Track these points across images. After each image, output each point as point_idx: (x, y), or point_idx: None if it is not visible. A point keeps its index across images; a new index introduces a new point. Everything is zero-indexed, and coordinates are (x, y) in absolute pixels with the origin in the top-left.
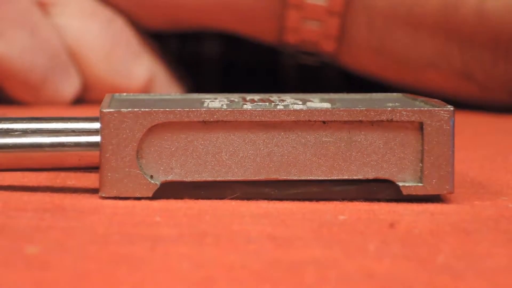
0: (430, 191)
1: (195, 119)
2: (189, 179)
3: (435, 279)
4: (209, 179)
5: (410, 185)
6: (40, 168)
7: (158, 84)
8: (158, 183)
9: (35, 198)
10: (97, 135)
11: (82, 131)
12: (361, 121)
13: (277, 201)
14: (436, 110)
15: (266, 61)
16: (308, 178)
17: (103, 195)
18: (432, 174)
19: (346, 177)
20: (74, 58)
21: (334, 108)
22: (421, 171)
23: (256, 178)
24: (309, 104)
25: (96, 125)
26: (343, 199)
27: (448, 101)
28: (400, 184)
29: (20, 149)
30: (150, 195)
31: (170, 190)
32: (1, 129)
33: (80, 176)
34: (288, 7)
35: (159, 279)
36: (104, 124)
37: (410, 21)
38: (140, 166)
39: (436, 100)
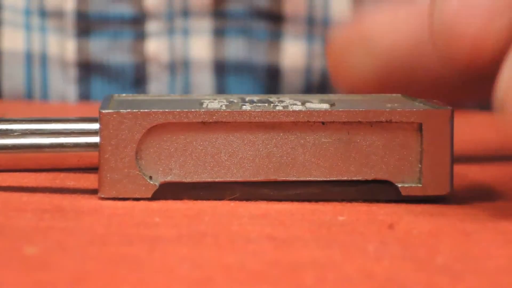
0: (429, 192)
1: (194, 120)
2: (188, 180)
3: (434, 280)
4: (208, 180)
5: (409, 186)
6: (39, 169)
7: None
8: (157, 184)
9: (34, 198)
10: (97, 135)
11: (81, 132)
12: (360, 122)
13: (276, 202)
14: (435, 110)
15: None
16: (307, 179)
17: (102, 196)
18: (431, 175)
19: (345, 178)
20: None
21: (333, 110)
22: (420, 172)
23: (255, 179)
24: (308, 105)
25: (96, 126)
26: (342, 200)
27: (447, 102)
28: (399, 185)
29: (19, 149)
30: (149, 195)
31: (169, 191)
32: (1, 130)
33: (79, 177)
34: None
35: (158, 279)
36: (103, 125)
37: None
38: (139, 167)
39: (435, 100)
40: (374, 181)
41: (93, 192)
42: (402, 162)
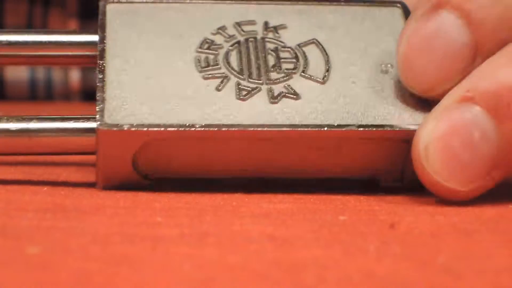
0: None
1: (190, 137)
2: (184, 176)
3: (435, 280)
4: (206, 177)
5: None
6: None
7: None
8: (152, 179)
9: (36, 198)
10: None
11: (79, 130)
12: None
13: (278, 202)
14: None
15: None
16: (299, 177)
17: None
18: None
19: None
20: None
21: (324, 130)
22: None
23: (251, 175)
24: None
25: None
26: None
27: None
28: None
29: (19, 133)
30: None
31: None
32: None
33: (81, 177)
34: None
35: (160, 279)
36: (99, 139)
37: None
38: (136, 170)
39: None
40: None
41: (95, 191)
42: (388, 163)
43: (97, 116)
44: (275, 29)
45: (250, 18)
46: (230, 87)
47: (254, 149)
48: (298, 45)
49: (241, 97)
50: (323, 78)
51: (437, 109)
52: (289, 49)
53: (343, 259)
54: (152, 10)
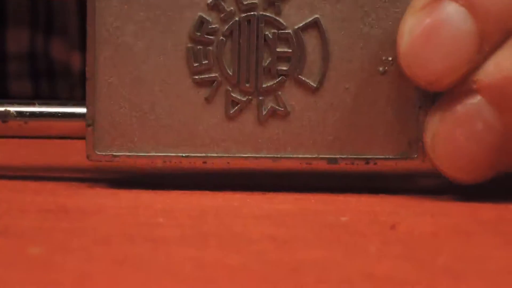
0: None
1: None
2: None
3: (435, 281)
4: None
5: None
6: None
7: None
8: None
9: (38, 199)
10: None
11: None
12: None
13: (279, 202)
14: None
15: None
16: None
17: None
18: None
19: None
20: None
21: (307, 158)
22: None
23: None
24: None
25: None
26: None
27: None
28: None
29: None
30: None
31: None
32: None
33: (83, 177)
34: None
35: (162, 279)
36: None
37: None
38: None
39: None
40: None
41: (97, 192)
42: None
43: (86, 144)
44: (276, 1)
45: None
46: (220, 96)
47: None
48: (298, 28)
49: (231, 113)
50: (317, 84)
51: (442, 100)
52: (287, 35)
53: (344, 260)
54: None
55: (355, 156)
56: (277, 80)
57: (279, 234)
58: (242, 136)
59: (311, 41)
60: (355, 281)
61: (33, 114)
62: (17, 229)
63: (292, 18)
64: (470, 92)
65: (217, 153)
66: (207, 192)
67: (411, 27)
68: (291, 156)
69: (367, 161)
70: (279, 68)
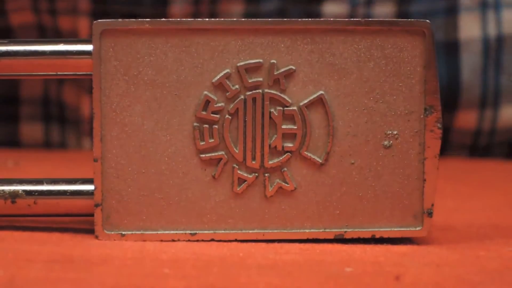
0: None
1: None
2: None
3: None
4: None
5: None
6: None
7: None
8: None
9: (44, 248)
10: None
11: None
12: None
13: (284, 253)
14: None
15: None
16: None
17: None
18: None
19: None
20: None
21: (313, 232)
22: None
23: None
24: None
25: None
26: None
27: None
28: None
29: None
30: None
31: None
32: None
33: (89, 226)
34: None
35: None
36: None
37: None
38: None
39: None
40: None
41: (104, 242)
42: None
43: (95, 224)
44: (281, 78)
45: (256, 57)
46: (226, 173)
47: None
48: (303, 105)
49: (237, 190)
50: (322, 160)
51: None
52: (292, 112)
53: None
54: (150, 49)
55: (361, 230)
56: (283, 157)
57: (284, 285)
58: (249, 212)
59: (316, 117)
60: None
61: (41, 193)
62: (24, 280)
63: (297, 95)
64: None
65: (224, 230)
66: (212, 242)
67: None
68: (297, 231)
69: (373, 235)
70: (285, 145)
